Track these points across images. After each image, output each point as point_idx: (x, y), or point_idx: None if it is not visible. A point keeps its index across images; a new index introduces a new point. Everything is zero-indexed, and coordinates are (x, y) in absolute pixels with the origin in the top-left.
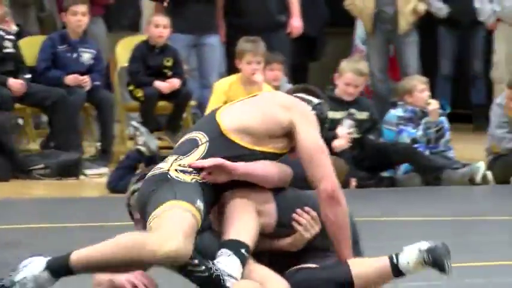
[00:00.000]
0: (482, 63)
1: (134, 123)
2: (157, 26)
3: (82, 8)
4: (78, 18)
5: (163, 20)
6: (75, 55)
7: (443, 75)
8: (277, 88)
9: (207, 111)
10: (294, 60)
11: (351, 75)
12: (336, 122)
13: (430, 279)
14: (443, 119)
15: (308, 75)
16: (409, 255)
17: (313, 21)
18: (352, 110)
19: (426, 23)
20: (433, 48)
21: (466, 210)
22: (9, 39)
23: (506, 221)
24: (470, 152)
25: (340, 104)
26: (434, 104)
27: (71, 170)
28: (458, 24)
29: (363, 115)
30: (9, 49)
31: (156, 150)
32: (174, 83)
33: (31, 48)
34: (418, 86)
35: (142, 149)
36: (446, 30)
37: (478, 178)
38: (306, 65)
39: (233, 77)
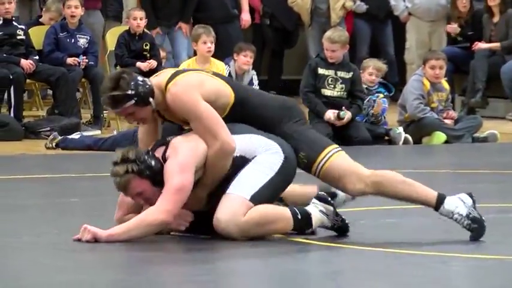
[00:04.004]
0: (393, 49)
1: None
2: (135, 19)
3: (75, 2)
4: (72, 10)
5: (139, 13)
6: (73, 40)
7: (360, 58)
8: (244, 71)
9: None
10: (274, 47)
11: (327, 44)
12: (324, 78)
13: (356, 219)
14: (384, 100)
15: (284, 59)
16: None
17: (289, 18)
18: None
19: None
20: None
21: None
22: (21, 28)
23: (421, 173)
24: (388, 118)
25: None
26: (380, 105)
27: (71, 132)
28: (374, 18)
29: (348, 75)
30: (20, 36)
31: None
32: (152, 63)
33: (38, 35)
34: (369, 68)
35: None
36: (364, 22)
37: (401, 141)
38: (283, 51)
39: (192, 59)
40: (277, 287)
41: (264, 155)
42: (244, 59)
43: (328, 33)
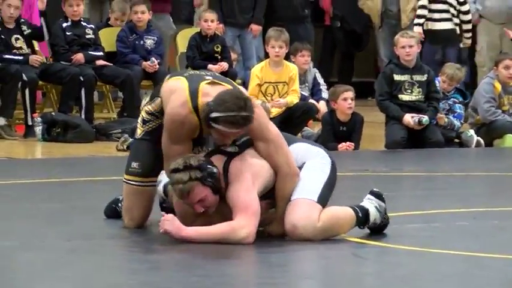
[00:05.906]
0: (467, 51)
1: None
2: (206, 21)
3: (141, 8)
4: (138, 16)
5: (210, 15)
6: (141, 42)
7: (435, 60)
8: (305, 70)
9: (249, 89)
10: (344, 50)
11: (402, 39)
12: (401, 84)
13: (428, 221)
14: (460, 106)
15: (354, 61)
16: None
17: (359, 20)
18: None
19: None
20: None
21: (466, 168)
22: (90, 28)
23: (493, 176)
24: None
25: (403, 69)
26: (442, 119)
27: None
28: None
29: (424, 78)
30: (90, 35)
31: None
32: (223, 65)
33: (107, 37)
34: (443, 76)
35: None
36: None
37: (473, 144)
38: (353, 54)
39: (264, 62)
40: None
41: (314, 160)
42: (302, 59)
43: (400, 33)
